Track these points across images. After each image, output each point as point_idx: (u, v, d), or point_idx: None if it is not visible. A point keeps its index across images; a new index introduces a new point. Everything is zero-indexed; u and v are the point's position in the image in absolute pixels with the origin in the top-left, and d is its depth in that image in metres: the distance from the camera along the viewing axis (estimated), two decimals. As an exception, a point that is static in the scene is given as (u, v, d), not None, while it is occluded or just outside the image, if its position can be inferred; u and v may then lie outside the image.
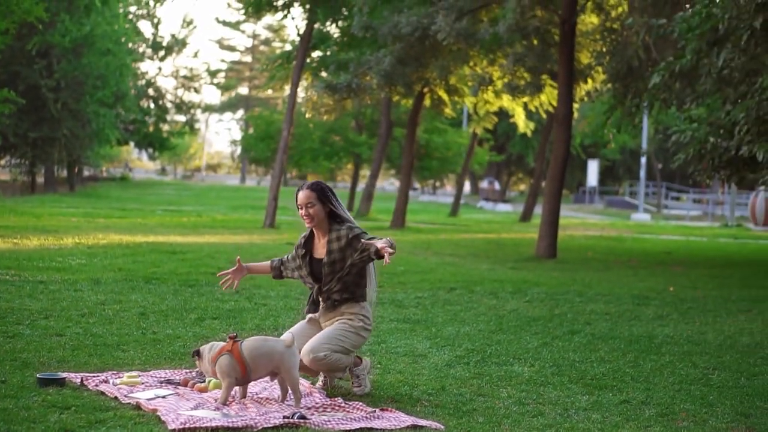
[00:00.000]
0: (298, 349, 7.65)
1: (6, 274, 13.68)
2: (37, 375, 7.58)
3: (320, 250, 7.95)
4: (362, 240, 7.79)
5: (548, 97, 31.35)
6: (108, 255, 17.06)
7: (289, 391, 7.32)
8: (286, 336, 7.36)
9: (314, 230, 7.98)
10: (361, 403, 7.33)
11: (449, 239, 27.90)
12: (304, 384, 7.89)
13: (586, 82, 29.16)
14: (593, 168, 66.54)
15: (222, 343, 7.30)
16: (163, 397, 7.23)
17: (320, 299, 7.97)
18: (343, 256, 7.82)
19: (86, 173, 59.94)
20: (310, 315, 8.02)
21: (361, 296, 7.92)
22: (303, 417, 6.76)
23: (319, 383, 8.00)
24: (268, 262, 8.28)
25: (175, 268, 15.65)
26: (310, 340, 7.74)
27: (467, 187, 77.99)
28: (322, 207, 7.86)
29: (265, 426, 6.53)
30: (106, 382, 7.63)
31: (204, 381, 7.76)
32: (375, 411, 7.10)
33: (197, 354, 7.37)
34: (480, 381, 8.49)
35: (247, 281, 14.47)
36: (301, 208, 7.87)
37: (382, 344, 10.02)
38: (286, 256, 8.22)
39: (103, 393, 7.33)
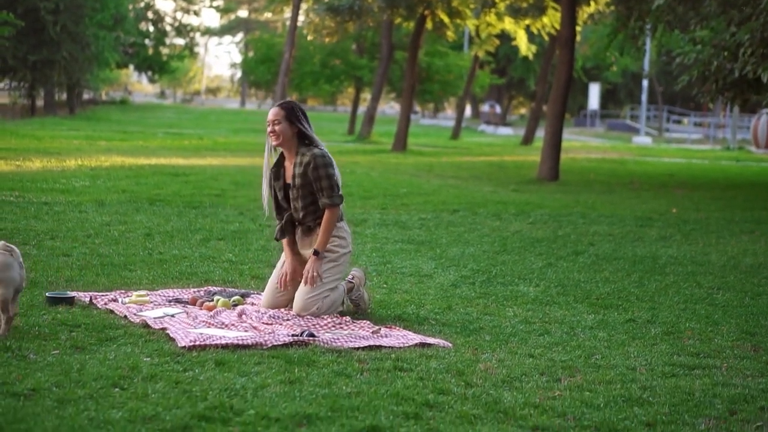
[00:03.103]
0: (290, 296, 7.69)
1: (10, 196, 13.70)
2: (47, 294, 7.63)
3: (289, 174, 7.78)
4: (320, 197, 7.65)
5: (551, 19, 31.18)
6: (111, 177, 17.06)
7: None
8: None
9: (284, 152, 7.79)
10: (368, 322, 7.38)
11: (451, 162, 27.89)
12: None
13: (589, 4, 29.01)
14: (594, 91, 66.24)
15: None
16: (172, 315, 7.27)
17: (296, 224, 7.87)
18: (307, 181, 7.65)
19: (86, 96, 59.59)
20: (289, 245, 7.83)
21: None
22: (312, 335, 6.81)
23: None
24: (286, 242, 7.87)
25: (179, 189, 15.66)
26: (298, 292, 7.64)
27: (468, 110, 77.71)
28: (289, 126, 7.66)
29: (275, 344, 6.58)
30: (115, 300, 7.67)
31: (212, 300, 7.80)
32: (380, 328, 7.14)
33: None
34: (486, 300, 8.53)
35: (250, 203, 14.51)
36: (269, 125, 7.71)
37: (387, 264, 10.06)
38: (276, 214, 7.93)
39: (112, 311, 7.37)
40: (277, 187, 7.84)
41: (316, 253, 7.65)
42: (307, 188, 7.67)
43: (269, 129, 7.70)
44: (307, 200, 7.70)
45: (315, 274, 7.58)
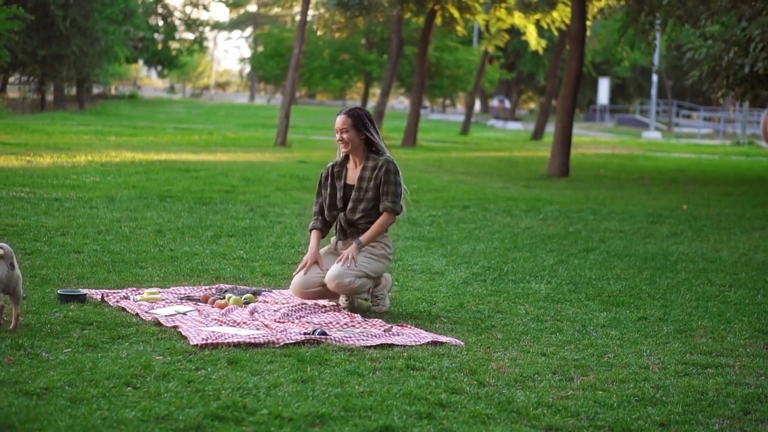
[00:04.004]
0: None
1: (21, 192, 13.71)
2: (58, 291, 7.63)
3: (352, 176, 7.93)
4: (383, 199, 7.79)
5: (560, 14, 31.09)
6: (121, 173, 17.07)
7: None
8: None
9: (351, 156, 7.94)
10: (380, 320, 7.37)
11: (461, 157, 27.86)
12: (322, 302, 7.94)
13: (599, -1, 28.91)
14: (604, 86, 66.06)
15: None
16: (184, 313, 7.27)
17: (344, 225, 7.94)
18: (374, 185, 7.80)
19: (95, 91, 59.59)
20: (339, 242, 7.99)
21: None
22: (323, 333, 6.80)
23: (343, 302, 8.00)
24: (315, 234, 8.00)
25: (189, 185, 15.66)
26: (333, 265, 7.74)
27: (477, 105, 77.57)
28: (356, 134, 7.82)
29: (287, 342, 6.57)
30: (127, 298, 7.67)
31: (223, 297, 7.80)
32: (392, 327, 7.13)
33: None
34: (498, 298, 8.52)
35: (260, 199, 14.52)
36: (337, 133, 7.86)
37: (399, 261, 10.05)
38: (316, 208, 8.05)
39: (124, 309, 7.38)
40: (338, 186, 7.95)
41: (358, 241, 7.78)
42: (374, 191, 7.81)
43: (338, 137, 7.86)
44: (369, 204, 7.84)
45: (351, 257, 7.70)
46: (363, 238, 7.79)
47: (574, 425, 5.27)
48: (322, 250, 7.97)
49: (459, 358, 6.46)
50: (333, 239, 8.07)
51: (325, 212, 7.99)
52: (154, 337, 6.62)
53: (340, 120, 7.85)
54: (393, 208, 7.80)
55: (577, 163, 25.16)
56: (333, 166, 8.00)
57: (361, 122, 7.84)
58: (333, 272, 7.67)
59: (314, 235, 8.00)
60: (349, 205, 7.88)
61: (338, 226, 7.98)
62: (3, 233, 10.26)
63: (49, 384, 5.44)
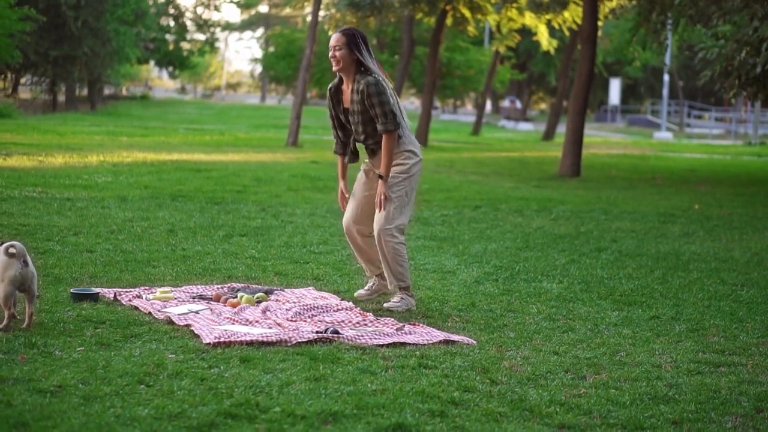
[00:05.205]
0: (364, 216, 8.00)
1: (33, 192, 13.74)
2: (71, 290, 7.65)
3: (347, 99, 7.99)
4: (377, 122, 7.82)
5: (572, 14, 31.06)
6: (133, 173, 17.09)
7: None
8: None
9: (342, 77, 7.97)
10: (392, 319, 7.38)
11: (472, 158, 27.85)
12: (333, 298, 7.95)
13: (610, -1, 28.89)
14: (615, 86, 65.99)
15: None
16: (196, 312, 7.28)
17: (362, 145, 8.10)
18: (364, 108, 7.84)
19: (107, 92, 59.68)
20: (363, 167, 8.13)
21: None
22: (336, 332, 6.80)
23: (369, 285, 8.04)
24: (339, 159, 8.25)
25: (201, 185, 15.68)
26: (375, 214, 7.86)
27: (488, 105, 77.50)
28: (348, 53, 7.84)
29: (299, 341, 6.58)
30: (139, 297, 7.69)
31: (236, 296, 7.81)
32: (404, 325, 7.14)
33: None
34: (509, 297, 8.52)
35: (272, 199, 14.54)
36: (330, 50, 7.92)
37: (410, 261, 10.00)
38: (333, 131, 8.19)
39: (136, 308, 7.40)
40: (339, 111, 8.05)
41: (380, 176, 7.86)
42: (366, 114, 7.86)
43: (330, 54, 7.93)
44: (365, 125, 7.90)
45: (384, 197, 7.80)
46: (382, 171, 7.84)
47: (587, 423, 5.27)
48: (356, 185, 8.13)
49: (471, 356, 6.46)
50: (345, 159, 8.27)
51: (340, 133, 8.14)
52: (166, 335, 6.64)
53: (334, 38, 7.91)
54: (385, 129, 7.78)
55: (588, 163, 25.12)
56: (331, 88, 8.07)
57: (354, 42, 7.86)
58: (375, 220, 7.85)
59: (339, 161, 8.25)
60: (353, 129, 8.02)
61: (348, 148, 8.16)
62: (16, 233, 10.29)
63: (63, 382, 5.46)
